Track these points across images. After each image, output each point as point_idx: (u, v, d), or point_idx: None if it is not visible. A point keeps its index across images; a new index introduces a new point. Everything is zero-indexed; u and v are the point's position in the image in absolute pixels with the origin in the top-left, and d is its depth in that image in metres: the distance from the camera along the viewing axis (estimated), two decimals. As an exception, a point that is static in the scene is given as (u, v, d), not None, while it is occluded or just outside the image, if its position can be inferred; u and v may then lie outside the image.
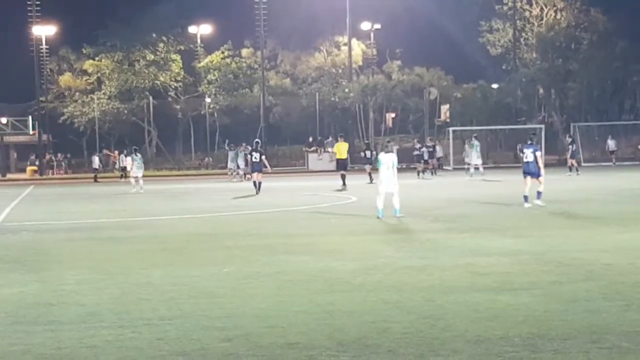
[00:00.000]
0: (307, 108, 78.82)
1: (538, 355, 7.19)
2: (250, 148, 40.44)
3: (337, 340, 7.83)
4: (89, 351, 7.63)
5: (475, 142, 43.88)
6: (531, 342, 7.58)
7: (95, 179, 52.11)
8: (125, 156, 51.45)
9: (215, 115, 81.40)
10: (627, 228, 16.97)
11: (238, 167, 46.89)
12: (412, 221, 19.42)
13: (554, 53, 74.23)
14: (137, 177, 37.65)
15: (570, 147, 44.47)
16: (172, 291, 10.58)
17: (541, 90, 73.80)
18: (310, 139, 69.43)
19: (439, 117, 71.47)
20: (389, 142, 22.27)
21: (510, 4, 74.25)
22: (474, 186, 35.09)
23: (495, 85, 75.41)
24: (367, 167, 40.46)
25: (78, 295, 10.50)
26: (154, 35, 79.65)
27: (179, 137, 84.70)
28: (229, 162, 48.90)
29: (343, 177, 35.73)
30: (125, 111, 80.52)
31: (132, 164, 38.60)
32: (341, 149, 37.03)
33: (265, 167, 33.75)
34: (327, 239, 16.09)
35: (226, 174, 49.84)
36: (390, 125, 74.09)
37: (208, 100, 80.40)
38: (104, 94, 79.85)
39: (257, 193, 32.14)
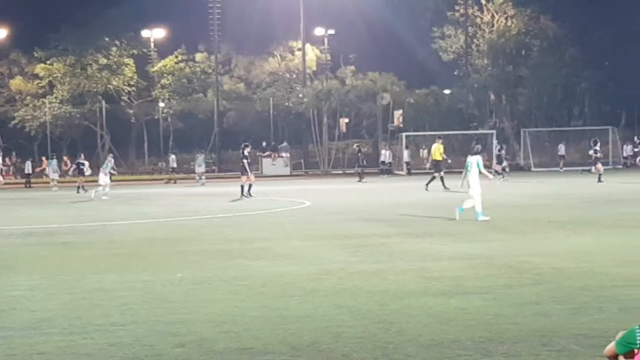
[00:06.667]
0: (261, 113, 78.64)
1: (489, 359, 7.29)
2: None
3: (291, 345, 7.86)
4: (40, 357, 7.58)
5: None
6: (482, 346, 7.68)
7: (28, 184, 52.47)
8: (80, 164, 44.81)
9: (169, 119, 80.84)
10: (576, 232, 17.19)
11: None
12: (367, 226, 19.51)
13: (505, 59, 75.05)
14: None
15: (500, 153, 46.18)
16: (125, 297, 10.52)
17: (492, 96, 74.51)
18: (264, 144, 69.35)
19: (392, 122, 71.86)
20: (476, 144, 21.88)
21: (462, 10, 74.91)
22: (430, 191, 35.25)
23: (447, 91, 75.98)
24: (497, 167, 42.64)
25: (29, 301, 10.40)
26: (106, 39, 78.96)
27: (132, 142, 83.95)
28: (196, 167, 52.18)
29: (441, 179, 34.99)
30: (78, 115, 79.55)
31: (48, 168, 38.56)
32: (434, 151, 37.18)
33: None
34: (281, 244, 16.10)
35: (193, 178, 52.19)
36: (344, 130, 74.30)
37: (162, 104, 79.85)
38: (55, 98, 78.84)
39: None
